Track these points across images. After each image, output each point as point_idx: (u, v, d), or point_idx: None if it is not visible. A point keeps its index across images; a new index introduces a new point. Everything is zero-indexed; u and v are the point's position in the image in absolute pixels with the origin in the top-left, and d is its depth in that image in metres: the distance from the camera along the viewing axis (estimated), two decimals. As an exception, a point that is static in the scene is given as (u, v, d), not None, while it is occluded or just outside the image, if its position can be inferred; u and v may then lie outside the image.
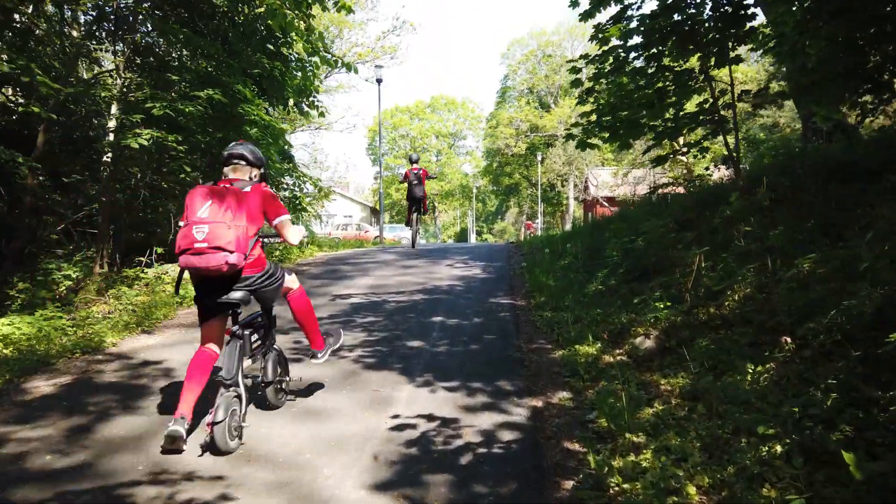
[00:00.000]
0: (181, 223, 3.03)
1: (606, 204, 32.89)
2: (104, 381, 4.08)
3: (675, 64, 7.29)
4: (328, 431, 3.13)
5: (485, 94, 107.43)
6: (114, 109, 7.99)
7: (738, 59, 7.32)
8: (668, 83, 7.26)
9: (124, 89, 7.94)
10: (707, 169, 8.68)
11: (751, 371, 3.32)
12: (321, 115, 10.29)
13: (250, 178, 3.24)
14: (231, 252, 2.88)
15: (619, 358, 4.21)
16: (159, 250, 7.78)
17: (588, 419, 3.20)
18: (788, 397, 2.86)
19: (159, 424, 3.28)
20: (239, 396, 2.99)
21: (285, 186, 11.22)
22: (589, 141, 7.19)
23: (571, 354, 4.33)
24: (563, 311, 5.65)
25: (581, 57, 7.36)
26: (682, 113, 6.91)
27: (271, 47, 9.41)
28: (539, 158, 41.24)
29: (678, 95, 7.23)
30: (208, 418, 2.87)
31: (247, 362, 3.23)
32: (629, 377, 3.73)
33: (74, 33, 8.53)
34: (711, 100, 7.11)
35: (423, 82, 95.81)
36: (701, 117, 7.16)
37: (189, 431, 2.93)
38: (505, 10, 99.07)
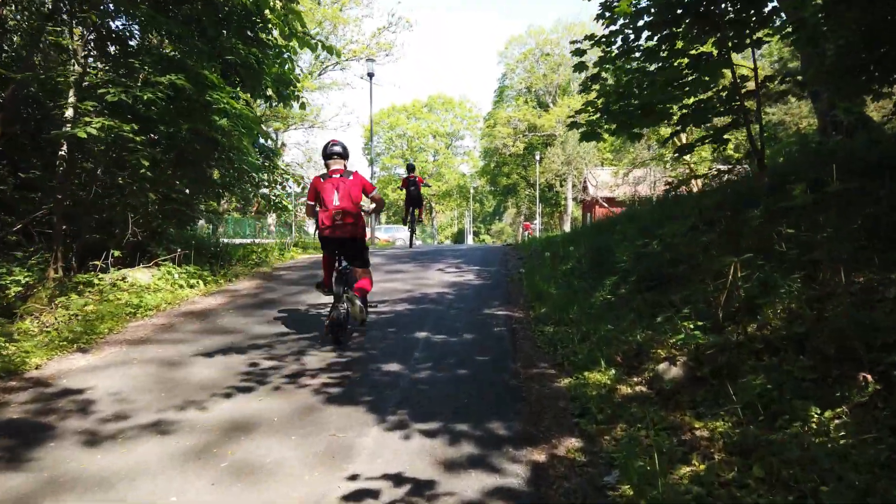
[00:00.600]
0: (310, 203, 4.89)
1: (606, 204, 32.23)
2: (3, 420, 3.29)
3: (691, 48, 6.56)
4: (260, 501, 2.34)
5: (482, 94, 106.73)
6: (71, 97, 7.22)
7: (760, 42, 6.57)
8: (683, 68, 6.53)
9: (79, 75, 7.15)
10: (731, 164, 7.88)
11: (815, 416, 2.55)
12: (302, 107, 9.50)
13: (345, 167, 4.84)
14: (353, 225, 4.73)
15: (638, 389, 3.43)
16: (116, 253, 6.97)
17: (606, 483, 2.43)
18: (884, 465, 2.10)
19: (43, 485, 2.50)
20: (344, 308, 4.67)
21: (265, 184, 10.39)
22: (596, 131, 6.41)
23: (580, 384, 3.55)
24: (568, 326, 4.87)
25: (586, 38, 6.59)
26: (702, 97, 6.16)
27: (249, 33, 8.64)
28: (537, 158, 40.50)
29: (694, 84, 6.49)
30: (326, 322, 4.67)
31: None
32: (654, 417, 2.96)
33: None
34: (731, 85, 6.38)
35: (421, 81, 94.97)
36: (719, 107, 6.42)
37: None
38: (503, 7, 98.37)
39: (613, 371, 3.65)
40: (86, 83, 7.07)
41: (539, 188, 42.37)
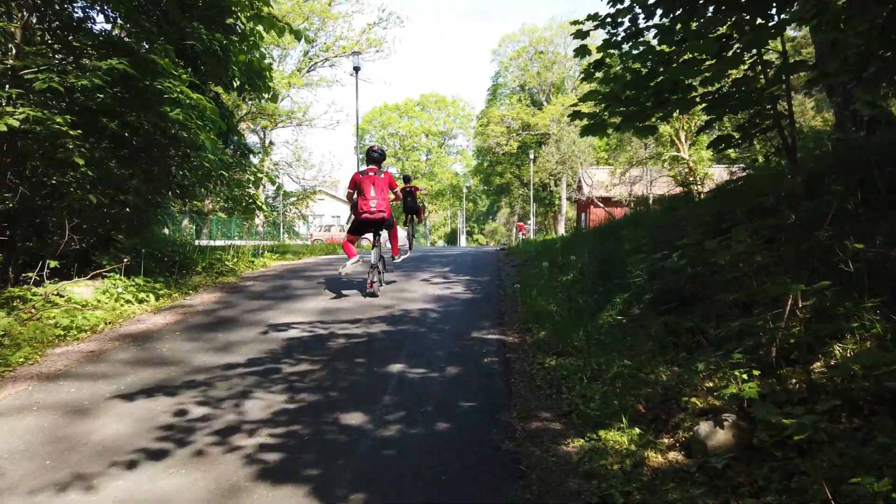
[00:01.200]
0: (350, 191, 6.56)
1: (602, 204, 31.52)
2: None
3: (710, 30, 5.74)
4: None
5: (476, 92, 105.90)
6: (8, 87, 6.32)
7: (784, 24, 5.75)
8: (697, 53, 5.70)
9: (14, 59, 6.24)
10: (766, 161, 7.04)
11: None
12: (273, 99, 8.68)
13: (380, 167, 6.54)
14: (384, 211, 6.36)
15: (673, 457, 2.59)
16: (53, 264, 6.07)
17: None
18: None
19: None
20: (378, 271, 6.60)
21: (239, 183, 9.45)
22: (603, 122, 5.56)
23: (595, 449, 2.70)
24: (573, 357, 4.04)
25: (589, 17, 5.74)
26: (736, 77, 5.33)
27: (217, 18, 7.76)
28: (531, 157, 39.72)
29: (714, 70, 5.66)
30: (368, 280, 6.50)
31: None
32: (702, 511, 2.12)
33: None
34: (759, 72, 5.56)
35: (413, 80, 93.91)
36: (763, 87, 5.59)
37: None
38: (496, 3, 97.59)
39: (637, 430, 2.80)
40: (22, 72, 6.17)
41: (533, 188, 41.60)
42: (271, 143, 37.29)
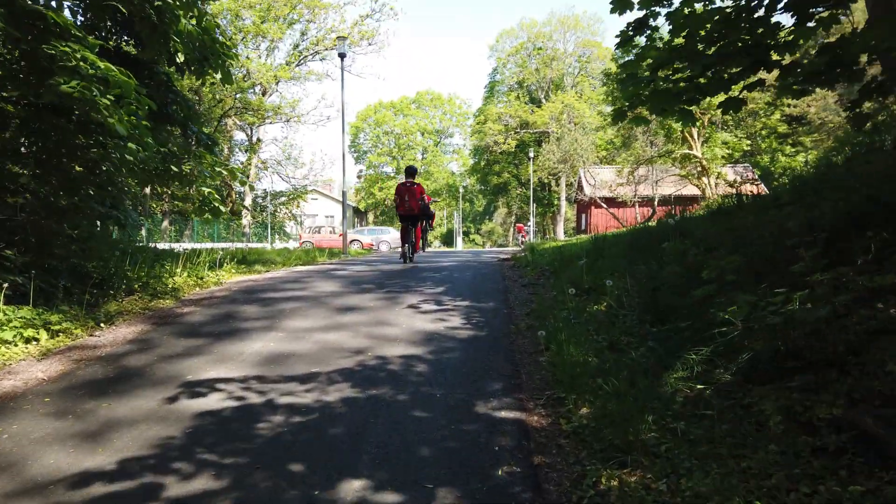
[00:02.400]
0: (396, 197, 10.19)
1: (605, 205, 29.97)
2: None
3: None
4: None
5: (472, 89, 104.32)
6: None
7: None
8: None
9: None
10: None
11: None
12: (227, 78, 7.02)
13: (413, 179, 10.06)
14: (414, 209, 9.94)
15: None
16: None
17: None
18: None
19: None
20: (412, 247, 10.32)
21: (193, 178, 7.85)
22: (661, 94, 4.00)
23: None
24: (646, 469, 2.44)
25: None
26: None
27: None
28: (530, 156, 38.14)
29: (799, 33, 4.11)
30: (402, 251, 10.35)
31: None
32: None
33: None
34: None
35: (409, 77, 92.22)
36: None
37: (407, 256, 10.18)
38: (489, 8, 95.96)
39: None
40: None
41: (532, 187, 40.01)
42: (259, 139, 35.61)
